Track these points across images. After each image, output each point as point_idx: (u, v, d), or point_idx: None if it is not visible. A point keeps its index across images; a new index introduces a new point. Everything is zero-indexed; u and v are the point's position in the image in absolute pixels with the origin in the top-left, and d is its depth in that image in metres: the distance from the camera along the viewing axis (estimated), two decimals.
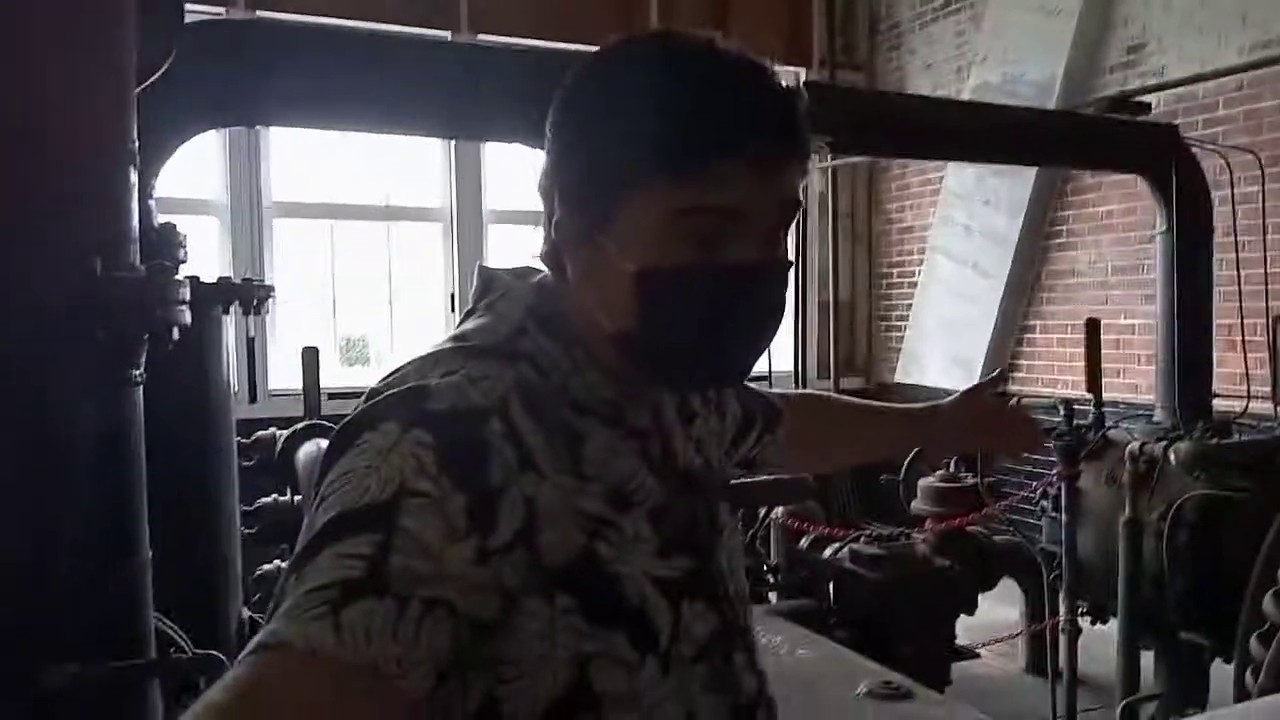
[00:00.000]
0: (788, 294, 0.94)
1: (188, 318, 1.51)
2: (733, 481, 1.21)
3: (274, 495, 3.44)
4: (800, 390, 4.50)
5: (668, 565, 0.91)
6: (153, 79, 1.56)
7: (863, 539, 3.26)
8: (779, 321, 0.94)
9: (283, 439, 3.57)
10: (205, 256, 5.82)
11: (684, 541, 0.94)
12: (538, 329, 0.93)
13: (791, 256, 0.96)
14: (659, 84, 0.86)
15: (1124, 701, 3.08)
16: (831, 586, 3.29)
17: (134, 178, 1.49)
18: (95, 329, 1.29)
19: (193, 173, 5.97)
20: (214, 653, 1.71)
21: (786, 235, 0.93)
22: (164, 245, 2.01)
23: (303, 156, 6.50)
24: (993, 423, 1.50)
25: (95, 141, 1.31)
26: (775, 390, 1.43)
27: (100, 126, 1.31)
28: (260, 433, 3.65)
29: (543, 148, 0.94)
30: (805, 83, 6.90)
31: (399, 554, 0.72)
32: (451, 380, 0.84)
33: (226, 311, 2.23)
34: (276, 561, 3.47)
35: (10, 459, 1.31)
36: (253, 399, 2.94)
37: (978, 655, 3.93)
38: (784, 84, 0.89)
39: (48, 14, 1.25)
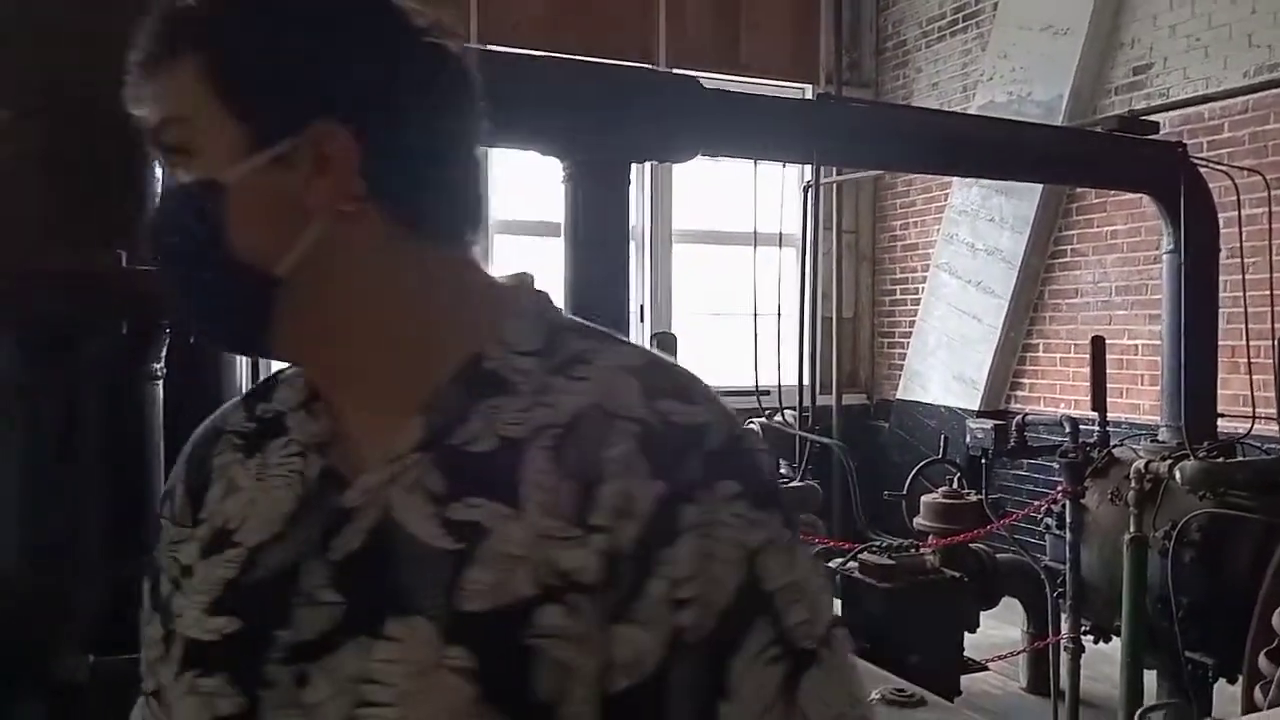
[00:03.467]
0: (191, 224, 0.71)
1: None
2: None
3: None
4: None
5: (204, 626, 0.75)
6: None
7: (869, 550, 3.25)
8: (188, 258, 0.72)
9: None
10: None
11: (261, 594, 0.73)
12: None
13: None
14: None
15: (1139, 712, 3.07)
16: (840, 597, 3.28)
17: (159, 172, 1.49)
18: (120, 319, 1.29)
19: None
20: None
21: (182, 157, 0.72)
22: None
23: None
24: None
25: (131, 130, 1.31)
26: None
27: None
28: None
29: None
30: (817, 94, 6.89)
31: None
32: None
33: None
34: None
35: (32, 445, 1.31)
36: None
37: (985, 668, 3.91)
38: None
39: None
